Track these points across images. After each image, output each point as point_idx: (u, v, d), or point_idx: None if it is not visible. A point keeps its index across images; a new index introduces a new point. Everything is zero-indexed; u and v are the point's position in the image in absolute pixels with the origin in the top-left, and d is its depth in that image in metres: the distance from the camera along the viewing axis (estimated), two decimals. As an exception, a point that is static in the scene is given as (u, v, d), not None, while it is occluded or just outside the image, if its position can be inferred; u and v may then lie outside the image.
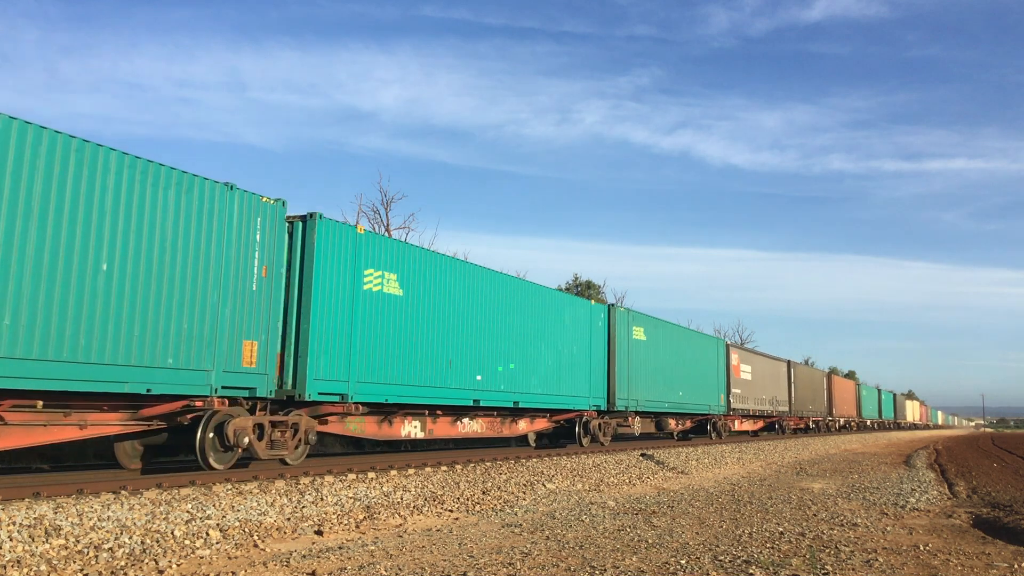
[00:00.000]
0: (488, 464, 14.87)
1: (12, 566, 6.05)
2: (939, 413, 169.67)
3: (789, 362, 41.13)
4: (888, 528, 9.68)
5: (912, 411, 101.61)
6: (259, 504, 8.97)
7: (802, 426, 44.50)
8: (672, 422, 26.49)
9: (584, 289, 45.29)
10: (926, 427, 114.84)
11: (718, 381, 29.80)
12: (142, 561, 6.53)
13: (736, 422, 33.31)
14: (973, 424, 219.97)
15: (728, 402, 30.57)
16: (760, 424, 37.69)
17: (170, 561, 6.58)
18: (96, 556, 6.51)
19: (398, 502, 10.18)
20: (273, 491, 9.82)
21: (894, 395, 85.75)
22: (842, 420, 55.10)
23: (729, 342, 33.32)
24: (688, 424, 28.40)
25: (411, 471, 12.89)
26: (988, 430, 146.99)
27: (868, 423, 67.00)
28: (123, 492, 9.05)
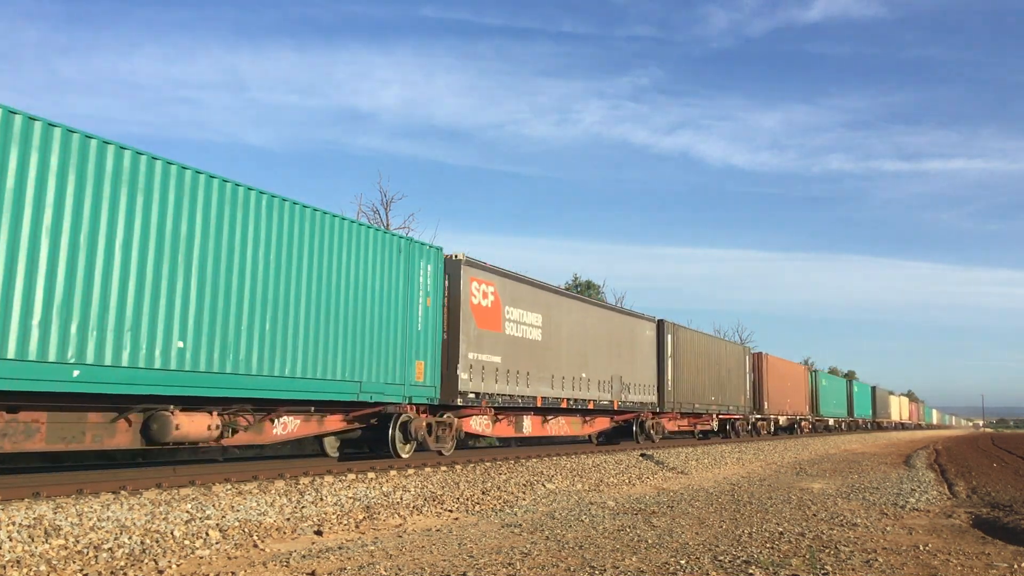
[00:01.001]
0: (488, 464, 14.88)
1: (12, 566, 6.05)
2: (933, 411, 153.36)
3: (661, 322, 25.86)
4: (888, 528, 9.68)
5: (898, 408, 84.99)
6: (259, 504, 8.97)
7: (708, 427, 30.36)
8: (197, 422, 10.61)
9: (584, 289, 45.07)
10: (917, 427, 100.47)
11: (407, 334, 14.37)
12: (142, 561, 6.52)
13: (489, 420, 17.26)
14: (972, 424, 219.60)
15: (454, 381, 15.34)
16: (599, 424, 22.81)
17: (170, 561, 6.57)
18: (96, 556, 6.51)
19: (398, 502, 10.18)
20: (273, 491, 9.82)
21: (873, 388, 70.50)
22: (782, 419, 39.88)
23: (465, 256, 16.24)
24: (319, 427, 13.69)
25: (411, 471, 12.89)
26: (988, 430, 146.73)
27: (830, 423, 51.16)
28: (123, 492, 9.05)
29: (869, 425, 66.29)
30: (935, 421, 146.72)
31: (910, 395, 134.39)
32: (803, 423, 44.40)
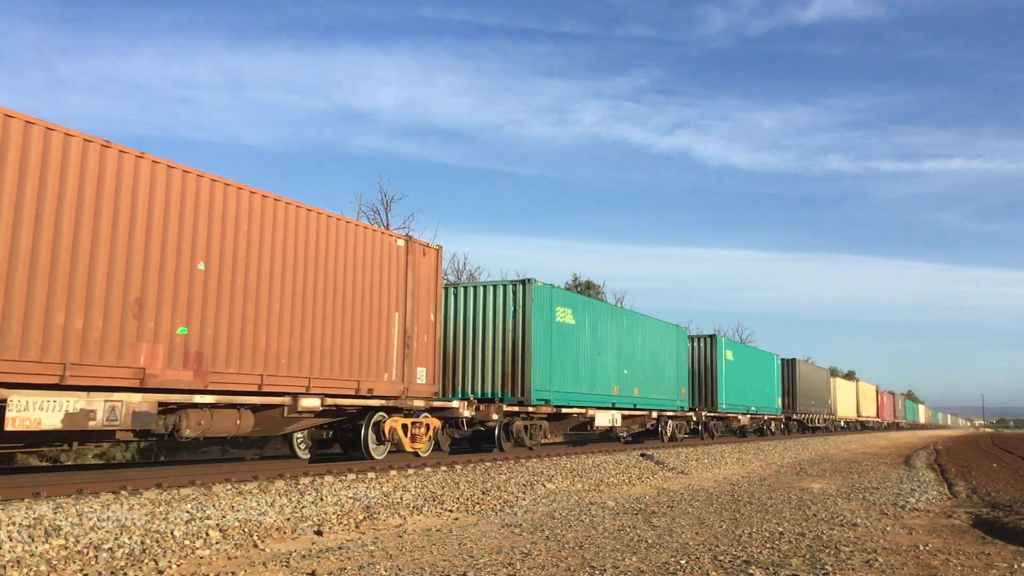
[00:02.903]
0: (488, 464, 14.87)
1: (12, 566, 6.05)
2: (920, 407, 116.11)
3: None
4: (888, 528, 9.68)
5: (852, 399, 54.98)
6: (259, 504, 8.97)
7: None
8: None
9: (584, 289, 45.10)
10: (895, 428, 73.71)
11: None
12: (142, 561, 6.53)
13: None
14: (970, 424, 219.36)
15: None
16: None
17: (170, 561, 6.57)
18: (96, 556, 6.51)
19: (398, 502, 10.18)
20: (273, 491, 9.82)
21: (789, 362, 40.32)
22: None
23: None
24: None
25: (411, 471, 12.89)
26: (988, 430, 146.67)
27: (614, 418, 21.47)
28: (123, 492, 9.05)
29: (773, 427, 37.84)
30: (923, 420, 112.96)
31: (910, 395, 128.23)
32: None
